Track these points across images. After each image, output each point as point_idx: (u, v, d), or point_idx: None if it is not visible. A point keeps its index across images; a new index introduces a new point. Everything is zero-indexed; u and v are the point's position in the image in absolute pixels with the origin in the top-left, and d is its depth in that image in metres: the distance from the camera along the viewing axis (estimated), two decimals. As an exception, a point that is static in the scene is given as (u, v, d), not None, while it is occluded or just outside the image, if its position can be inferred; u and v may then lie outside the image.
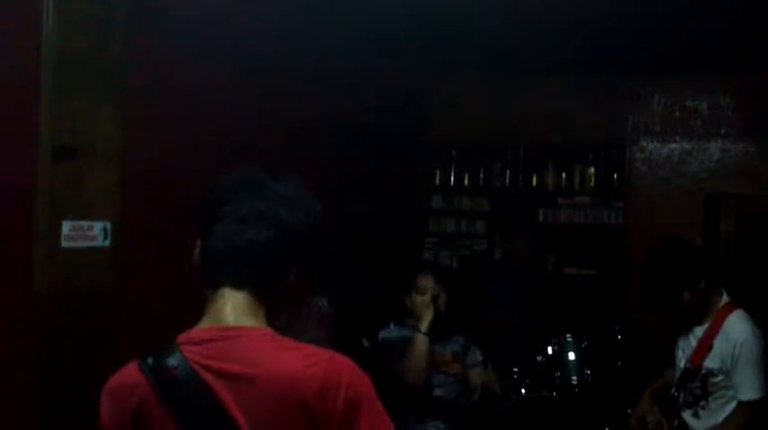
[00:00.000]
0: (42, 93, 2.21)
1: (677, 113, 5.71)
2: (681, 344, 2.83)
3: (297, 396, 1.14)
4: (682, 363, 2.78)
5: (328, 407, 1.14)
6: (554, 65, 5.36)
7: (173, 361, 1.18)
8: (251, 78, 3.48)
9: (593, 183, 5.83)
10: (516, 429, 3.97)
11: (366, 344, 3.24)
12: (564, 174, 5.89)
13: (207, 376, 1.17)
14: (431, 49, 5.08)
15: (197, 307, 1.28)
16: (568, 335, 4.50)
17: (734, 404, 2.60)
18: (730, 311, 2.65)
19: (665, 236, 2.95)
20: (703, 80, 5.60)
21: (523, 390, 4.22)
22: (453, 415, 2.94)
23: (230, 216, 1.24)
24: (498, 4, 3.98)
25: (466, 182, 6.14)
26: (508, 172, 6.02)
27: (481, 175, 6.09)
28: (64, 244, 2.25)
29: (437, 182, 6.18)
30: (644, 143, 5.76)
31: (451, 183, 6.16)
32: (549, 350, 4.50)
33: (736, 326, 2.61)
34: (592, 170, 5.84)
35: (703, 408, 2.66)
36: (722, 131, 5.58)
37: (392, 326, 3.00)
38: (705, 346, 2.65)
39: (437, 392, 2.91)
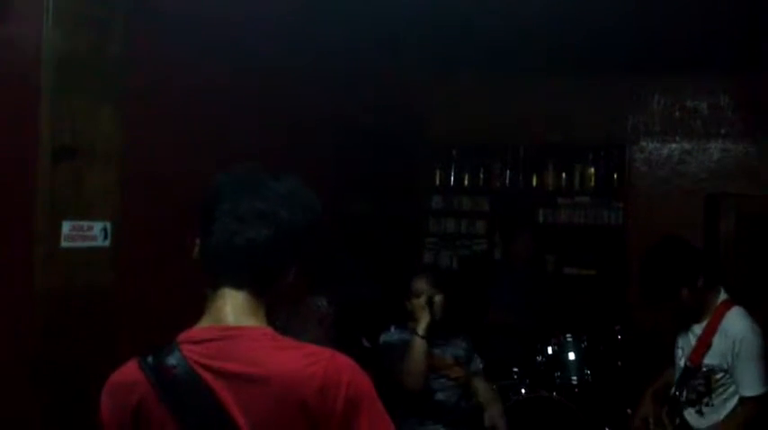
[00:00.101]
0: (42, 93, 2.21)
1: (677, 113, 5.71)
2: (680, 342, 2.84)
3: (297, 395, 1.14)
4: (682, 362, 2.79)
5: (328, 407, 1.14)
6: (554, 65, 5.36)
7: (172, 360, 1.18)
8: (251, 78, 3.48)
9: (593, 183, 5.83)
10: (516, 429, 3.97)
11: (366, 344, 3.24)
12: (564, 174, 5.89)
13: (206, 375, 1.17)
14: (431, 49, 5.08)
15: (197, 306, 1.28)
16: (568, 335, 4.50)
17: (736, 400, 2.61)
18: (728, 308, 2.66)
19: (664, 235, 2.96)
20: (703, 80, 5.60)
21: (523, 390, 4.22)
22: (454, 418, 2.94)
23: (229, 215, 1.24)
24: (498, 4, 3.98)
25: (466, 182, 6.14)
26: (508, 172, 6.02)
27: (481, 175, 6.09)
28: (64, 244, 2.25)
29: (437, 182, 6.18)
30: (644, 143, 5.76)
31: (451, 183, 6.16)
32: (549, 350, 4.50)
33: (735, 323, 2.61)
34: (592, 170, 5.84)
35: (707, 405, 2.67)
36: (722, 131, 5.58)
37: (393, 329, 3.00)
38: (704, 344, 2.66)
39: (438, 396, 2.91)
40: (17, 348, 2.16)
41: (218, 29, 3.17)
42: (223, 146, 3.13)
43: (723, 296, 2.71)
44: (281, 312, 1.36)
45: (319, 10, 3.85)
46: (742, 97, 5.51)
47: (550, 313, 4.84)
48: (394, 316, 3.04)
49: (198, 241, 1.29)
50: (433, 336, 2.88)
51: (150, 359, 1.20)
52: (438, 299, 2.89)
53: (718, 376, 2.63)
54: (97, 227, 2.37)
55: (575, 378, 4.38)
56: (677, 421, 2.77)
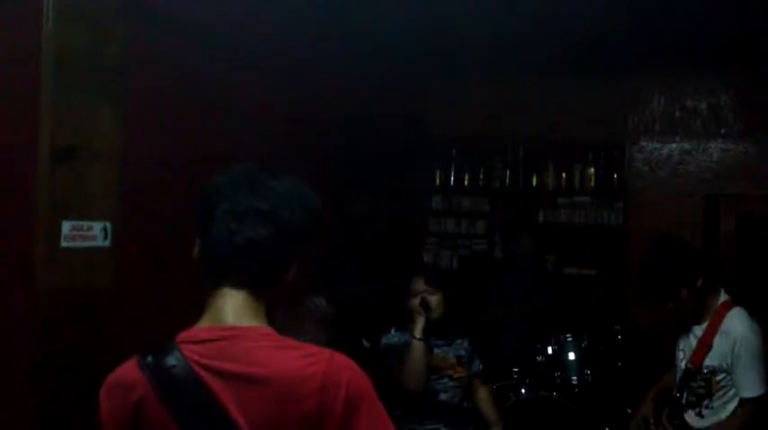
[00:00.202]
0: (42, 93, 2.21)
1: (677, 113, 5.71)
2: (681, 344, 2.83)
3: (296, 395, 1.14)
4: (683, 364, 2.78)
5: (328, 407, 1.14)
6: (554, 65, 5.36)
7: (172, 360, 1.18)
8: (251, 79, 3.49)
9: (593, 183, 5.83)
10: (516, 429, 3.97)
11: (366, 344, 3.24)
12: (564, 174, 5.89)
13: (206, 376, 1.17)
14: (431, 50, 5.08)
15: (197, 306, 1.28)
16: (568, 335, 4.50)
17: (737, 402, 2.61)
18: (728, 309, 2.65)
19: (659, 235, 2.95)
20: (703, 80, 5.60)
21: (523, 390, 4.22)
22: (456, 419, 2.94)
23: (228, 214, 1.24)
24: (498, 4, 3.98)
25: (466, 182, 6.14)
26: (508, 172, 6.02)
27: (481, 175, 6.08)
28: (64, 244, 2.25)
29: (437, 182, 6.18)
30: (644, 143, 5.75)
31: (451, 183, 6.16)
32: (549, 350, 4.50)
33: (735, 323, 2.61)
34: (592, 170, 5.84)
35: (707, 407, 2.66)
36: (722, 131, 5.58)
37: (393, 331, 3.00)
38: (705, 345, 2.66)
39: (441, 397, 2.90)
40: (17, 348, 2.16)
41: (219, 29, 3.17)
42: (223, 146, 3.13)
43: (723, 297, 2.70)
44: (279, 312, 1.35)
45: (320, 11, 3.85)
46: (742, 97, 5.51)
47: (550, 313, 4.84)
48: (393, 316, 3.04)
49: (198, 241, 1.29)
50: (434, 337, 2.88)
51: (150, 359, 1.20)
52: (436, 298, 2.88)
53: (719, 378, 2.63)
54: (97, 227, 2.37)
55: (575, 378, 4.38)
56: (677, 422, 2.77)
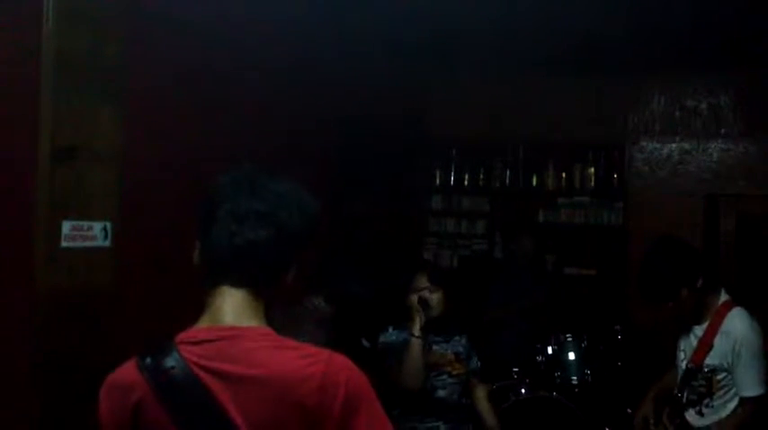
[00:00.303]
0: (42, 93, 2.21)
1: (677, 113, 5.71)
2: (682, 344, 2.84)
3: (295, 395, 1.14)
4: (683, 364, 2.78)
5: (326, 407, 1.14)
6: (554, 65, 5.36)
7: (171, 361, 1.18)
8: (251, 79, 3.49)
9: (593, 183, 5.83)
10: (516, 429, 3.97)
11: (366, 344, 3.24)
12: (564, 174, 5.89)
13: (205, 376, 1.17)
14: (431, 49, 5.08)
15: (197, 306, 1.28)
16: (568, 335, 4.50)
17: (737, 400, 2.61)
18: (729, 309, 2.65)
19: (659, 236, 2.95)
20: (703, 80, 5.60)
21: (523, 390, 4.22)
22: (455, 416, 2.94)
23: (229, 216, 1.24)
24: (498, 4, 3.98)
25: (466, 182, 6.14)
26: (508, 172, 6.02)
27: (481, 175, 6.08)
28: (64, 244, 2.25)
29: (437, 182, 6.18)
30: (644, 143, 5.76)
31: (451, 183, 6.16)
32: (549, 350, 4.50)
33: (736, 323, 2.61)
34: (592, 170, 5.84)
35: (707, 406, 2.67)
36: (722, 131, 5.58)
37: (390, 330, 3.00)
38: (706, 345, 2.66)
39: (439, 394, 2.91)
40: (17, 348, 2.16)
41: (219, 29, 3.17)
42: (223, 145, 3.13)
43: (724, 297, 2.70)
44: (277, 312, 1.35)
45: (319, 11, 3.85)
46: (742, 97, 5.51)
47: (550, 312, 4.84)
48: (393, 316, 3.04)
49: (197, 243, 1.29)
50: (432, 334, 2.88)
51: (148, 360, 1.20)
52: (437, 296, 2.89)
53: (720, 377, 2.63)
54: (97, 227, 2.37)
55: (575, 378, 4.39)
56: (678, 422, 2.77)
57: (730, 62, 5.20)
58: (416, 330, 2.79)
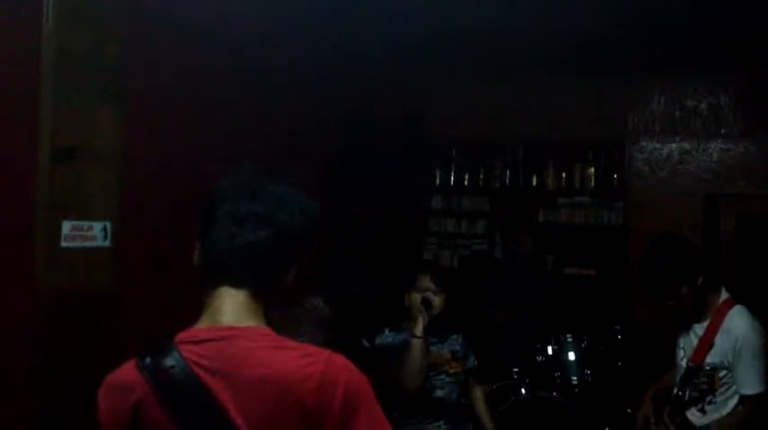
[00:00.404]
0: (42, 93, 2.21)
1: (677, 113, 5.71)
2: (682, 343, 2.84)
3: (295, 395, 1.14)
4: (683, 362, 2.78)
5: (325, 406, 1.15)
6: (554, 65, 5.36)
7: (170, 360, 1.18)
8: (251, 78, 3.49)
9: (593, 183, 5.82)
10: (516, 429, 3.97)
11: (366, 344, 3.24)
12: (564, 174, 5.89)
13: (205, 376, 1.17)
14: (431, 49, 5.08)
15: (197, 307, 1.28)
16: (568, 335, 4.50)
17: (737, 398, 2.61)
18: (730, 307, 2.66)
19: (660, 233, 2.95)
20: (703, 80, 5.60)
21: (523, 390, 4.22)
22: (455, 416, 2.94)
23: (228, 217, 1.25)
24: (498, 4, 3.98)
25: (466, 182, 6.14)
26: (508, 172, 6.02)
27: (481, 175, 6.08)
28: (64, 244, 2.25)
29: (437, 182, 6.18)
30: (644, 143, 5.75)
31: (451, 183, 6.16)
32: (549, 350, 4.50)
33: (737, 321, 2.61)
34: (592, 170, 5.84)
35: (710, 403, 2.67)
36: (722, 131, 5.58)
37: (387, 331, 3.00)
38: (706, 343, 2.66)
39: (438, 393, 2.91)
40: (17, 348, 2.16)
41: (219, 29, 3.17)
42: (223, 145, 3.13)
43: (725, 295, 2.70)
44: (276, 313, 1.35)
45: (320, 11, 3.85)
46: (742, 97, 5.51)
47: (550, 313, 4.84)
48: (392, 316, 3.04)
49: (197, 244, 1.30)
50: (429, 334, 2.89)
51: (148, 360, 1.20)
52: (439, 299, 2.89)
53: (722, 374, 2.64)
54: (97, 227, 2.37)
55: (575, 378, 4.39)
56: (679, 420, 2.77)
57: (730, 62, 5.20)
58: (419, 330, 2.79)
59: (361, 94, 4.76)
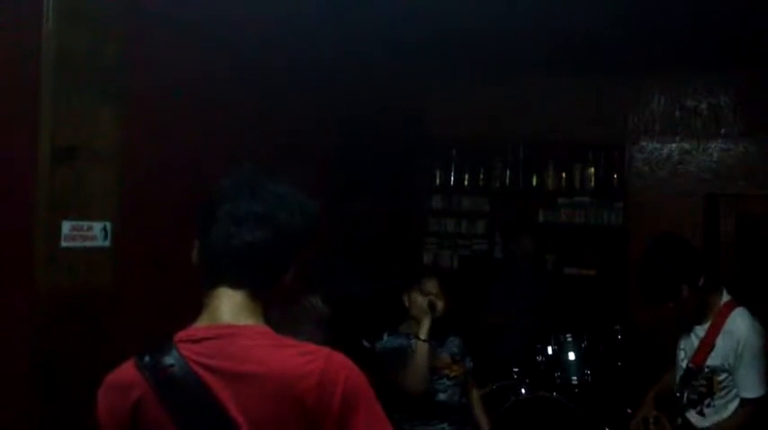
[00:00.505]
0: (42, 93, 2.21)
1: (677, 113, 5.71)
2: (682, 344, 2.83)
3: (294, 393, 1.14)
4: (684, 364, 2.78)
5: (325, 404, 1.15)
6: (554, 65, 5.36)
7: (170, 359, 1.19)
8: (251, 78, 3.49)
9: (593, 183, 5.83)
10: (516, 429, 3.97)
11: (366, 344, 3.24)
12: (564, 174, 5.89)
13: (204, 374, 1.17)
14: (431, 49, 5.08)
15: (196, 306, 1.28)
16: (568, 335, 4.50)
17: (738, 401, 2.61)
18: (731, 309, 2.64)
19: (660, 233, 2.94)
20: (703, 80, 5.60)
21: (523, 390, 4.22)
22: (458, 418, 2.95)
23: (227, 217, 1.25)
24: (498, 4, 3.98)
25: (466, 182, 6.14)
26: (508, 172, 6.02)
27: (481, 175, 6.08)
28: (64, 244, 2.25)
29: (437, 182, 6.18)
30: (644, 143, 5.75)
31: (451, 183, 6.16)
32: (549, 350, 4.50)
33: (739, 323, 2.60)
34: (592, 170, 5.84)
35: (709, 406, 2.66)
36: (722, 131, 5.58)
37: (386, 336, 3.00)
38: (707, 345, 2.65)
39: (440, 397, 2.91)
40: (17, 348, 2.16)
41: (218, 29, 3.17)
42: (223, 145, 3.13)
43: (726, 297, 2.69)
44: (275, 312, 1.35)
45: (320, 11, 3.85)
46: (742, 97, 5.51)
47: (550, 313, 4.84)
48: (391, 316, 3.04)
49: (196, 243, 1.30)
50: (431, 335, 2.89)
51: (147, 359, 1.20)
52: (440, 305, 2.90)
53: (721, 377, 2.62)
54: (97, 227, 2.37)
55: (575, 378, 4.38)
56: (679, 421, 2.77)
57: (730, 62, 5.20)
58: (424, 333, 2.79)
59: (361, 93, 4.76)
